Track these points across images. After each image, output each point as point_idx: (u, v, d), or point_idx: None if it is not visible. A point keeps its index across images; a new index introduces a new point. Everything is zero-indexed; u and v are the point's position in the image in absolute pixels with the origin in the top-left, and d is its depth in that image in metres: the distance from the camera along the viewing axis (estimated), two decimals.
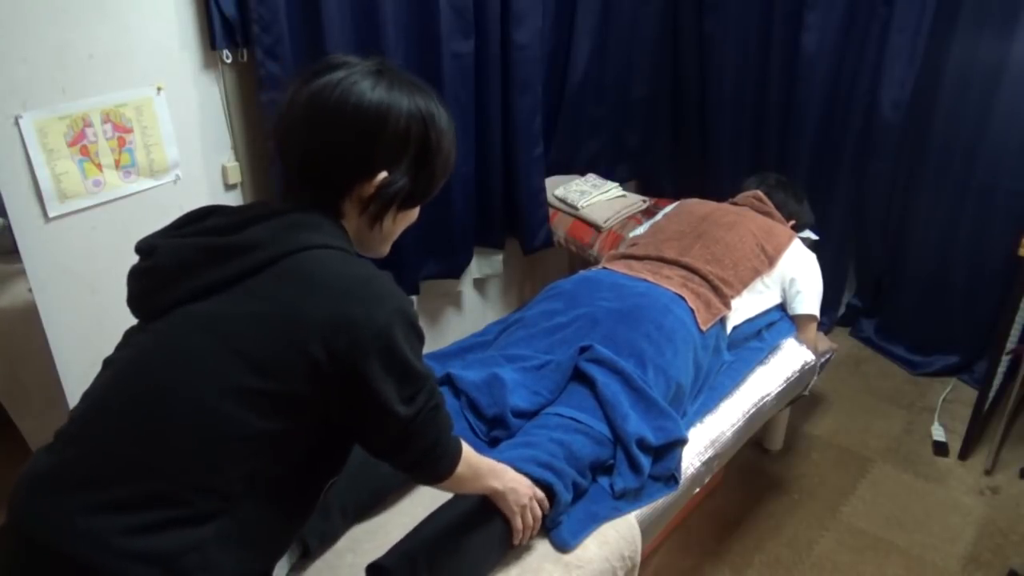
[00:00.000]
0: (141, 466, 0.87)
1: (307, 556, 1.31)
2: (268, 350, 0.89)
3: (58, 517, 0.86)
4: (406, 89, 0.99)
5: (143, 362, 0.92)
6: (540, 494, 1.32)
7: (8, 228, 1.58)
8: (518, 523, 1.27)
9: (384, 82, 0.97)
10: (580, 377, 1.60)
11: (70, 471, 0.88)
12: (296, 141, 0.98)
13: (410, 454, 1.02)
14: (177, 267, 0.93)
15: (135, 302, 0.97)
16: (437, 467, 1.07)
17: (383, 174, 0.98)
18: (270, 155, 1.89)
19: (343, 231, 1.00)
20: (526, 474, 1.34)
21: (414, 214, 1.08)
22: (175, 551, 0.87)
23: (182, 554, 0.87)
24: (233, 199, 1.95)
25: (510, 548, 1.31)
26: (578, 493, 1.43)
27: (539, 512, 1.31)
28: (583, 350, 1.64)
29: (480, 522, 1.27)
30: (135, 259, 1.78)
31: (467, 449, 1.13)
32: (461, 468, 1.10)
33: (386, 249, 1.09)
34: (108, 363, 0.98)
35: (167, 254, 0.94)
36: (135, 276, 0.97)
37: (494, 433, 1.55)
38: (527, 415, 1.57)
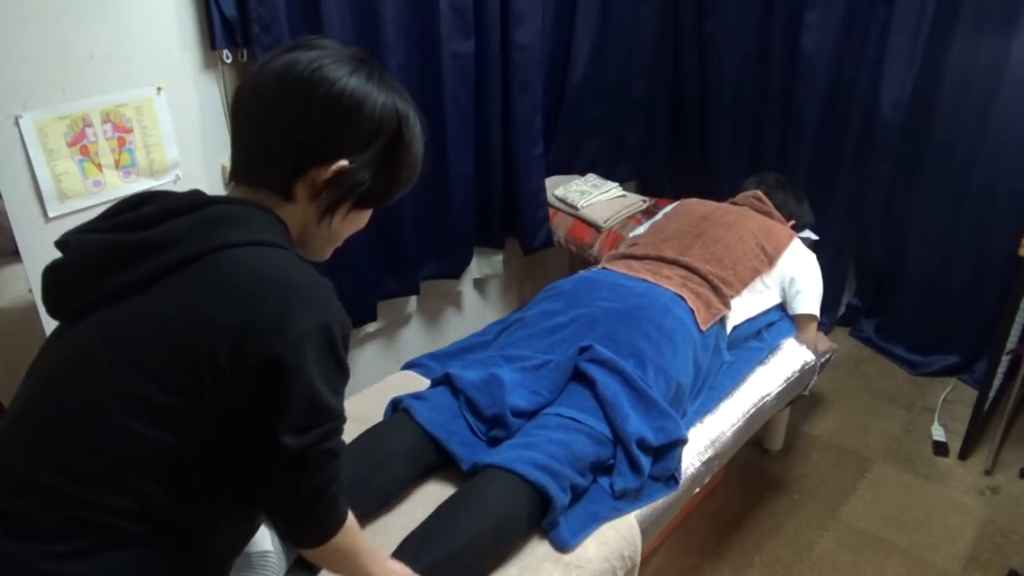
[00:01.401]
0: (58, 494, 0.81)
1: (306, 567, 1.29)
2: (166, 362, 0.82)
3: None
4: (386, 85, 0.94)
5: (52, 381, 0.87)
6: None
7: (8, 228, 1.58)
8: None
9: (363, 71, 0.92)
10: (580, 377, 1.60)
11: None
12: (257, 113, 0.91)
13: (288, 495, 0.90)
14: (84, 266, 0.86)
15: (48, 302, 0.90)
16: (314, 524, 0.94)
17: (343, 161, 0.91)
18: None
19: (281, 226, 0.91)
20: (520, 476, 1.34)
21: (364, 218, 1.01)
22: (106, 573, 0.82)
23: (113, 574, 0.82)
24: None
25: None
26: (578, 493, 1.43)
27: None
28: (583, 350, 1.64)
29: (480, 519, 1.27)
30: None
31: (354, 524, 1.00)
32: (341, 538, 0.95)
33: (327, 253, 1.01)
34: (28, 374, 0.93)
35: (76, 251, 0.87)
36: (47, 274, 0.89)
37: (493, 433, 1.55)
38: (526, 415, 1.57)
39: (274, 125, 0.90)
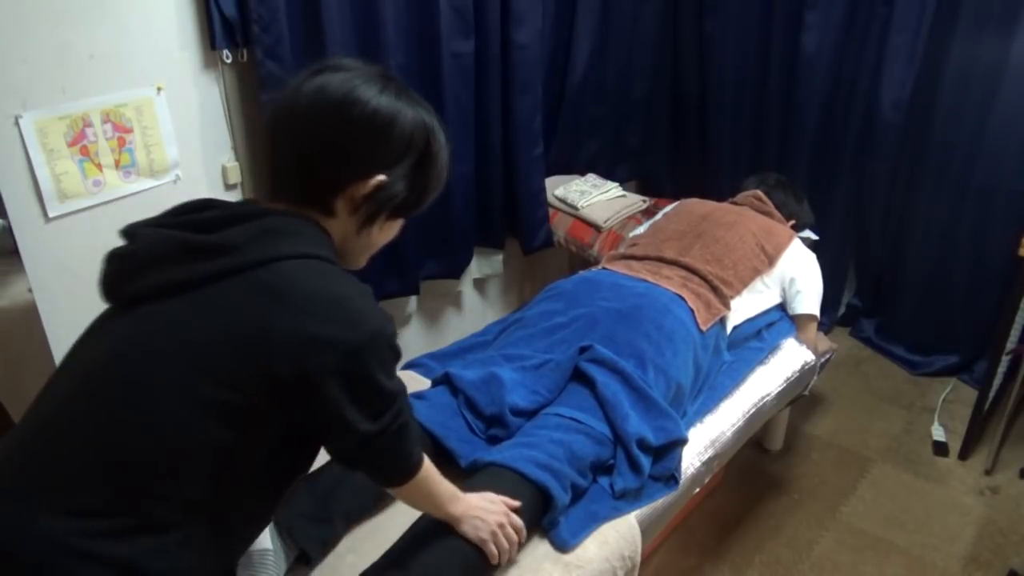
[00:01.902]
0: (101, 474, 0.85)
1: (305, 563, 1.30)
2: (231, 364, 0.87)
3: (16, 521, 0.83)
4: (411, 99, 1.00)
5: (107, 365, 0.90)
6: (517, 521, 1.27)
7: (8, 228, 1.58)
8: (491, 549, 1.22)
9: (391, 89, 0.98)
10: (580, 377, 1.60)
11: (29, 473, 0.86)
12: (296, 134, 0.96)
13: (370, 464, 1.04)
14: (150, 257, 0.91)
15: (107, 285, 0.94)
16: (396, 474, 1.08)
17: (381, 176, 0.97)
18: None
19: (326, 238, 0.98)
20: (522, 474, 1.34)
21: (397, 227, 1.08)
22: (136, 556, 0.85)
23: (143, 558, 0.86)
24: (233, 199, 1.94)
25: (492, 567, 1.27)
26: (578, 493, 1.43)
27: (514, 538, 1.26)
28: (583, 350, 1.64)
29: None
30: None
31: (430, 468, 1.13)
32: (418, 481, 1.10)
33: (364, 261, 1.08)
34: (74, 353, 0.96)
35: (145, 242, 0.92)
36: (111, 259, 0.94)
37: (492, 432, 1.55)
38: (526, 414, 1.57)
39: (313, 146, 0.96)
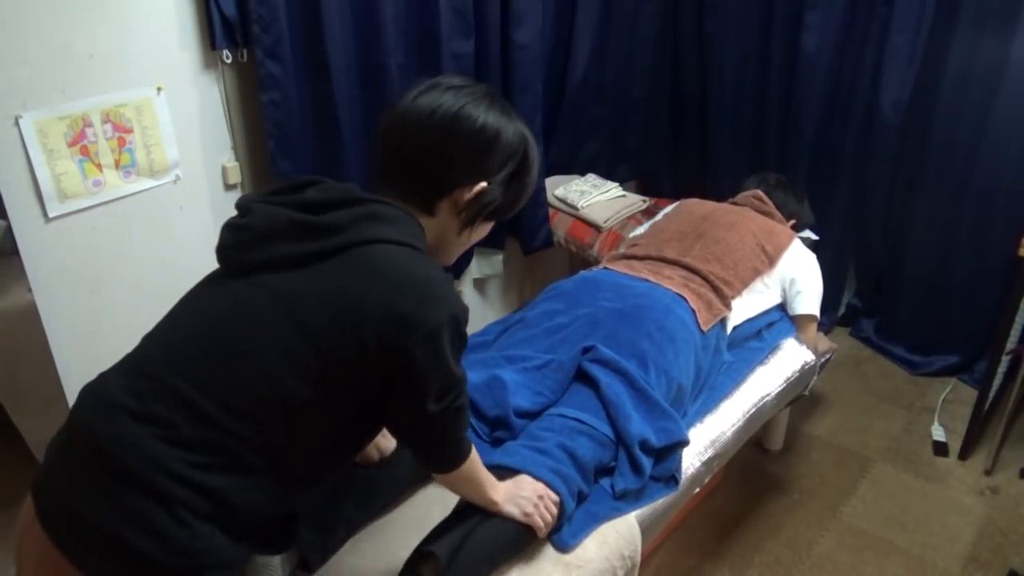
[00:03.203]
0: (205, 416, 0.95)
1: (307, 570, 1.30)
2: (328, 330, 0.97)
3: (129, 438, 0.94)
4: (514, 115, 1.12)
5: (220, 322, 1.00)
6: (551, 494, 1.33)
7: (8, 228, 1.58)
8: (536, 522, 1.30)
9: (497, 107, 1.10)
10: (583, 377, 1.60)
11: (143, 403, 0.96)
12: (410, 143, 1.08)
13: (425, 442, 1.12)
14: (265, 232, 1.01)
15: (224, 252, 1.05)
16: (444, 460, 1.16)
17: (484, 183, 1.09)
18: (270, 155, 1.89)
19: (420, 229, 1.07)
20: (545, 482, 1.34)
21: (488, 229, 1.20)
22: (224, 489, 0.96)
23: (229, 492, 0.96)
24: (233, 199, 1.93)
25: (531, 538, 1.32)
26: (582, 496, 1.43)
27: (554, 510, 1.32)
28: (586, 350, 1.64)
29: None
30: (135, 259, 1.79)
31: (475, 456, 1.19)
32: (465, 468, 1.17)
33: (455, 258, 1.20)
34: (184, 304, 1.07)
35: (261, 217, 1.01)
36: (229, 229, 1.04)
37: (496, 434, 1.55)
38: (530, 415, 1.57)
39: (426, 154, 1.08)
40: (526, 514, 1.29)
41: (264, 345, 0.97)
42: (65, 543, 0.94)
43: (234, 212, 1.07)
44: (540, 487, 1.32)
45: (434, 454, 1.15)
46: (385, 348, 0.97)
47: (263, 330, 0.98)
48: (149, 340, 1.05)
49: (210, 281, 1.08)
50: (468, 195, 1.09)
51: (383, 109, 1.14)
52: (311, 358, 0.97)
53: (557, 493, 1.34)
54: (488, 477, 1.26)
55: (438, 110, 1.06)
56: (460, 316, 1.03)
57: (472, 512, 1.28)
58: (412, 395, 1.02)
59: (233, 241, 1.04)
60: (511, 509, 1.28)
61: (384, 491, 1.43)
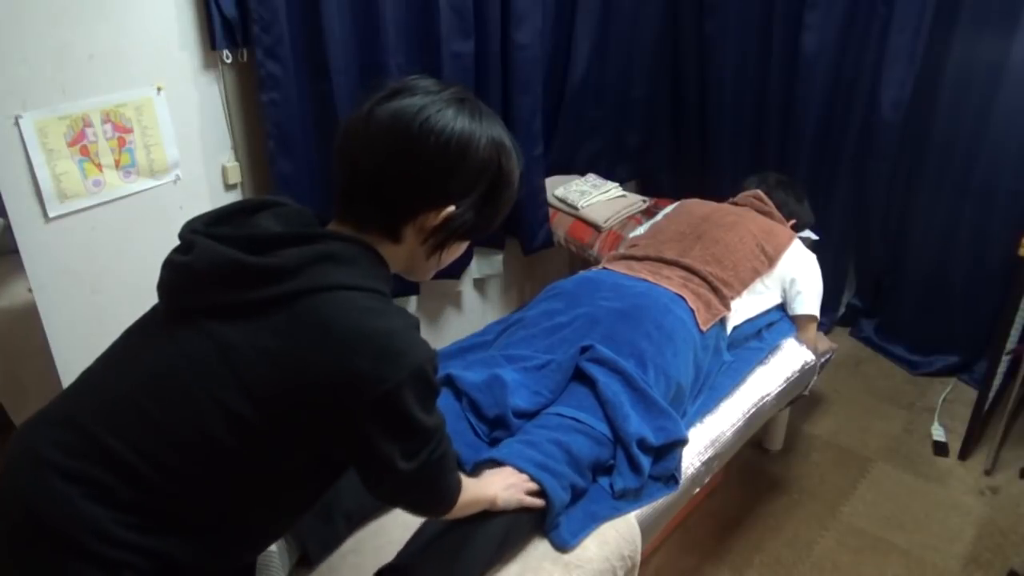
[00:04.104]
0: (141, 477, 0.88)
1: (308, 564, 1.30)
2: (275, 391, 0.88)
3: (60, 500, 0.87)
4: (484, 119, 0.98)
5: (159, 374, 0.91)
6: (530, 485, 1.34)
7: (8, 228, 1.58)
8: (532, 501, 1.32)
9: (466, 111, 0.96)
10: (581, 377, 1.60)
11: (74, 460, 0.89)
12: (368, 161, 0.95)
13: (409, 499, 1.07)
14: (207, 275, 0.91)
15: (165, 291, 0.96)
16: (437, 507, 1.12)
17: (451, 208, 0.96)
18: (270, 155, 1.89)
19: (382, 265, 0.97)
20: (529, 474, 1.35)
21: (464, 247, 1.07)
22: (166, 550, 0.89)
23: (172, 553, 0.90)
24: (233, 199, 1.95)
25: (512, 541, 1.33)
26: (577, 493, 1.43)
27: (526, 489, 1.33)
28: (584, 350, 1.64)
29: (481, 518, 1.28)
30: (135, 259, 1.78)
31: (465, 483, 1.15)
32: (459, 503, 1.13)
33: (430, 275, 1.09)
34: (121, 346, 0.99)
35: (203, 258, 0.91)
36: (170, 267, 0.95)
37: (495, 434, 1.55)
38: (528, 415, 1.57)
39: (386, 175, 0.94)
40: (520, 501, 1.30)
41: (205, 403, 0.88)
42: None
43: (184, 227, 0.98)
44: (513, 474, 1.34)
45: (423, 506, 1.11)
46: (339, 411, 0.89)
47: (204, 385, 0.89)
48: (84, 385, 0.97)
49: (152, 322, 0.98)
50: (434, 221, 0.97)
51: (338, 122, 1.04)
52: (256, 418, 0.88)
53: (539, 483, 1.34)
54: (477, 494, 1.22)
55: (397, 123, 0.93)
56: (424, 367, 0.91)
57: (448, 522, 1.26)
58: (381, 459, 0.93)
59: (174, 283, 0.94)
60: (506, 502, 1.28)
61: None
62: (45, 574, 0.88)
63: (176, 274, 0.94)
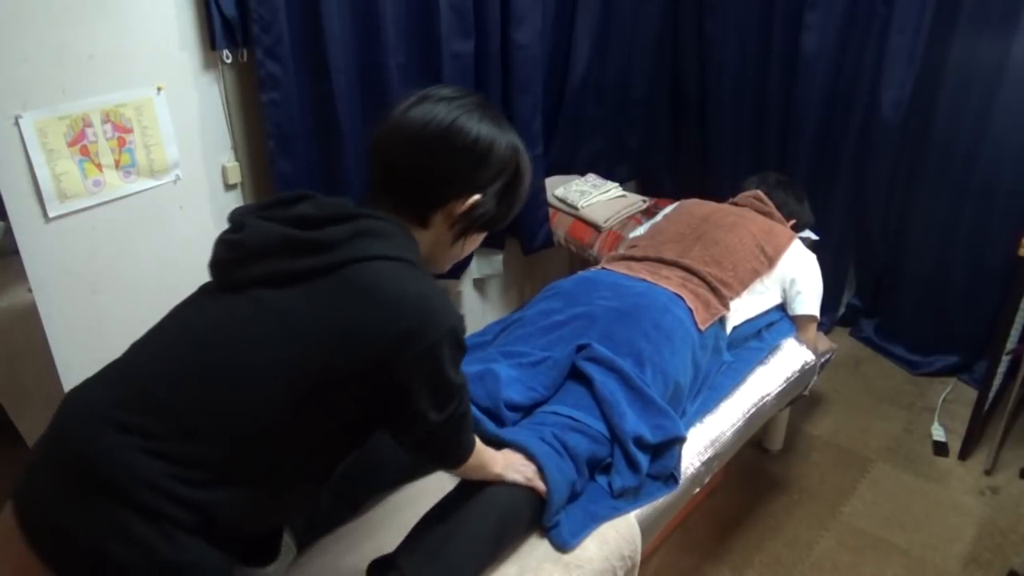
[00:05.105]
0: (194, 431, 0.95)
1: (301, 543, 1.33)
2: (324, 350, 0.96)
3: (115, 451, 0.93)
4: (504, 126, 1.13)
5: (212, 336, 1.00)
6: (525, 463, 1.37)
7: (8, 229, 1.58)
8: (538, 484, 1.35)
9: (489, 118, 1.10)
10: (577, 376, 1.61)
11: (129, 415, 0.95)
12: (407, 155, 1.08)
13: (433, 449, 1.16)
14: (259, 248, 1.00)
15: (217, 267, 1.05)
16: (453, 459, 1.21)
17: (477, 195, 1.10)
18: (270, 155, 1.89)
19: (413, 243, 1.08)
20: (540, 464, 1.37)
21: (480, 239, 1.21)
22: (210, 503, 0.96)
23: (215, 507, 0.96)
24: (233, 199, 1.95)
25: (509, 539, 1.34)
26: (576, 492, 1.43)
27: (529, 471, 1.37)
28: (580, 348, 1.64)
29: (475, 515, 1.29)
30: (135, 259, 1.79)
31: (480, 446, 1.25)
32: (472, 460, 1.22)
33: (447, 267, 1.20)
34: (176, 315, 1.06)
35: (255, 233, 1.01)
36: (222, 244, 1.05)
37: None
38: (521, 409, 1.57)
39: (422, 166, 1.08)
40: (528, 479, 1.34)
41: (257, 362, 0.97)
42: (47, 553, 0.94)
43: (234, 212, 1.07)
44: (520, 459, 1.37)
45: (443, 457, 1.21)
46: (385, 368, 0.98)
47: (256, 346, 0.98)
48: (138, 350, 1.04)
49: (203, 293, 1.07)
50: (462, 207, 1.10)
51: (375, 121, 1.14)
52: (303, 376, 0.97)
53: (541, 470, 1.36)
54: (491, 457, 1.31)
55: (431, 123, 1.06)
56: (457, 327, 1.03)
57: (443, 516, 1.29)
58: (415, 410, 1.03)
59: (227, 257, 1.04)
60: (514, 476, 1.33)
61: (379, 474, 1.43)
62: (92, 518, 0.93)
63: (229, 250, 1.03)
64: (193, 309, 1.05)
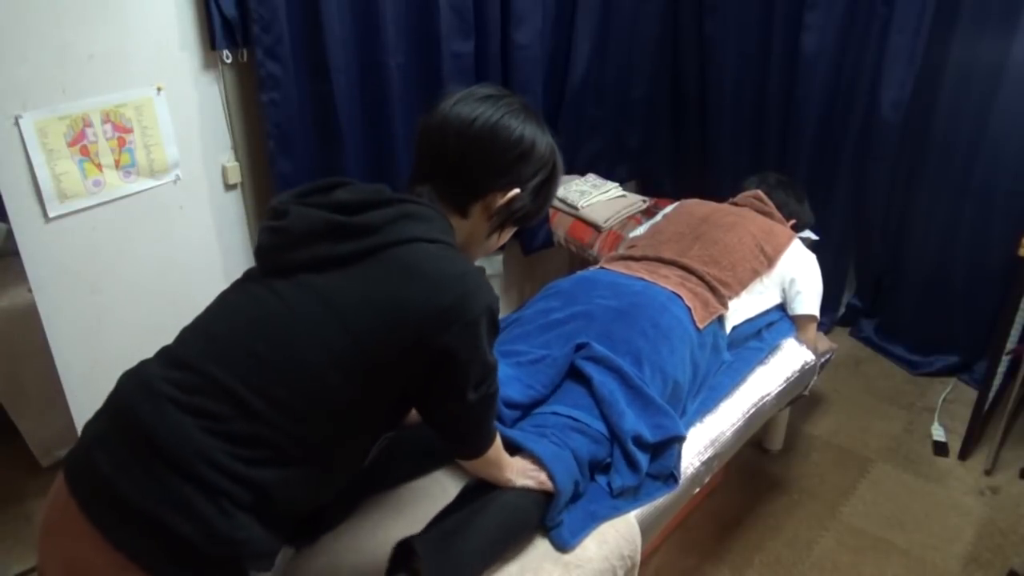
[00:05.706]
0: (251, 411, 0.98)
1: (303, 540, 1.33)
2: (373, 329, 1.01)
3: (179, 428, 0.96)
4: (544, 126, 1.18)
5: (263, 320, 1.03)
6: (535, 470, 1.37)
7: (8, 229, 1.58)
8: (550, 487, 1.35)
9: (532, 119, 1.16)
10: (576, 375, 1.60)
11: (188, 396, 0.98)
12: (449, 150, 1.13)
13: (461, 430, 1.19)
14: (304, 234, 1.04)
15: (262, 253, 1.09)
16: (476, 446, 1.22)
17: (516, 190, 1.15)
18: (270, 155, 1.89)
19: (450, 228, 1.12)
20: (549, 472, 1.37)
21: (510, 233, 1.25)
22: (266, 482, 0.99)
23: (271, 486, 1.00)
24: (233, 199, 1.95)
25: (521, 536, 1.35)
26: (578, 493, 1.43)
27: (542, 476, 1.37)
28: (579, 347, 1.64)
29: (491, 510, 1.30)
30: (135, 259, 1.79)
31: (499, 441, 1.27)
32: (491, 453, 1.24)
33: (480, 256, 1.24)
34: (224, 300, 1.10)
35: (299, 219, 1.05)
36: (268, 231, 1.08)
37: None
38: (519, 407, 1.57)
39: (467, 161, 1.13)
40: (541, 482, 1.35)
41: (309, 342, 1.00)
42: (105, 524, 0.96)
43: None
44: (530, 465, 1.37)
45: (467, 441, 1.22)
46: (428, 343, 1.02)
47: (308, 327, 1.01)
48: (190, 333, 1.07)
49: (249, 279, 1.10)
50: (501, 200, 1.15)
51: (423, 114, 1.17)
52: (356, 356, 1.01)
53: (548, 472, 1.36)
54: (506, 456, 1.32)
55: (479, 119, 1.12)
56: (494, 307, 1.08)
57: (463, 505, 1.30)
58: (454, 386, 1.07)
59: (273, 243, 1.07)
60: (525, 481, 1.34)
61: (379, 474, 1.44)
62: (154, 490, 0.95)
63: (274, 236, 1.07)
64: (242, 295, 1.08)
